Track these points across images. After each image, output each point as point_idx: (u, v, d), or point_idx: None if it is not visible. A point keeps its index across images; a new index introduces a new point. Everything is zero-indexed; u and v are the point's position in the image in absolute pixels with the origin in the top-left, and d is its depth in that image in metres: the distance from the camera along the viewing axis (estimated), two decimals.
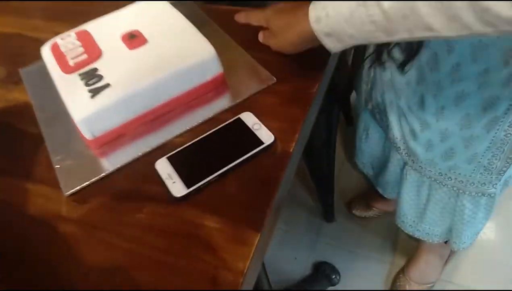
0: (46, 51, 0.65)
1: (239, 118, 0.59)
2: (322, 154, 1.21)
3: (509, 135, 0.77)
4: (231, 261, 0.46)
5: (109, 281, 0.47)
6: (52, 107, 0.63)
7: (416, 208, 1.04)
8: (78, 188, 0.55)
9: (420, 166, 0.91)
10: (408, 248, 1.34)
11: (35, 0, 0.93)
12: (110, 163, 0.58)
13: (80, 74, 0.60)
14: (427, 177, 0.93)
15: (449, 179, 0.90)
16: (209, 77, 0.63)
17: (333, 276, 1.32)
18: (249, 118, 0.59)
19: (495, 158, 0.82)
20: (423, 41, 0.69)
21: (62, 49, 0.64)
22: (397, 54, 0.76)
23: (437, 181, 0.92)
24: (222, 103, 0.63)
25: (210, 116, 0.61)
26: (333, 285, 1.31)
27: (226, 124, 0.59)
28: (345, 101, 1.55)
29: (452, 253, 1.29)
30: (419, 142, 0.87)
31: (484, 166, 0.84)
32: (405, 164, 0.97)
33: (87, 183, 0.56)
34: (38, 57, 0.66)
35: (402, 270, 1.31)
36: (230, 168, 0.54)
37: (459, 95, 0.74)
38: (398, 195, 1.07)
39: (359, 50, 1.15)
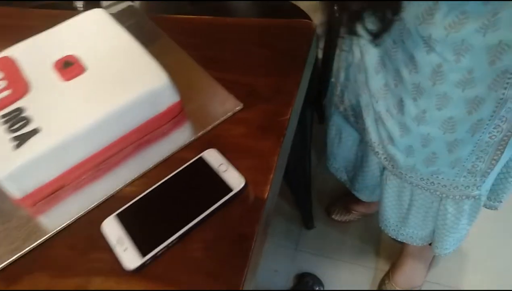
0: None
1: (201, 157, 0.50)
2: (297, 168, 1.13)
3: (493, 137, 0.72)
4: None
5: None
6: None
7: (398, 212, 1.00)
8: (7, 262, 0.45)
9: (400, 172, 0.86)
10: (392, 251, 1.29)
11: None
12: (47, 226, 0.47)
13: (2, 116, 0.49)
14: (408, 182, 0.88)
15: (432, 184, 0.85)
16: (163, 108, 0.53)
17: (317, 288, 1.25)
18: (213, 156, 0.49)
19: (479, 160, 0.77)
20: (397, 12, 0.62)
21: None
22: (371, 26, 0.69)
23: (419, 186, 0.87)
24: (180, 138, 0.53)
25: (165, 156, 0.51)
26: None
27: (186, 167, 0.49)
28: (316, 98, 1.47)
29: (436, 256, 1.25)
30: (398, 148, 0.81)
31: (468, 169, 0.80)
32: (384, 168, 0.91)
33: (18, 254, 0.45)
34: None
35: (388, 275, 1.27)
36: (193, 225, 0.44)
37: (441, 98, 0.67)
38: (379, 199, 1.02)
39: (330, 48, 1.08)
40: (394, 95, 0.74)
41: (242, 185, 0.47)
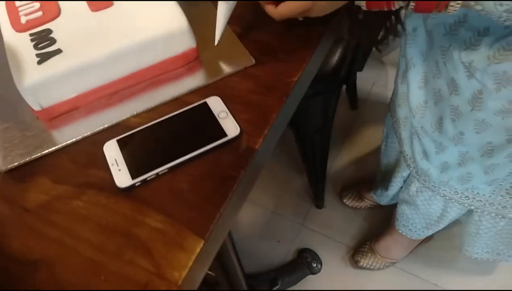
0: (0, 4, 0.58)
1: (205, 102, 0.52)
2: (315, 139, 1.14)
3: None
4: (167, 269, 0.41)
5: (29, 276, 0.42)
6: (2, 69, 0.56)
7: (426, 220, 0.99)
8: (17, 164, 0.50)
9: (433, 185, 0.85)
10: None
11: None
12: (57, 139, 0.52)
13: (31, 34, 0.53)
14: (441, 195, 0.86)
15: (467, 198, 0.83)
16: (179, 51, 0.56)
17: (314, 264, 1.28)
18: (216, 104, 0.52)
19: None
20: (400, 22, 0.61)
21: (17, 4, 0.56)
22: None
23: (453, 200, 0.86)
24: (190, 82, 0.56)
25: (174, 96, 0.54)
26: (314, 273, 1.27)
27: (190, 109, 0.52)
28: (349, 83, 1.46)
29: (427, 239, 1.23)
30: (432, 163, 0.80)
31: (506, 189, 0.78)
32: (415, 179, 0.90)
33: (28, 158, 0.50)
34: None
35: (369, 242, 1.26)
36: (185, 160, 0.47)
37: (480, 124, 0.66)
38: (404, 208, 1.02)
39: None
40: (434, 113, 0.73)
41: (237, 133, 0.49)
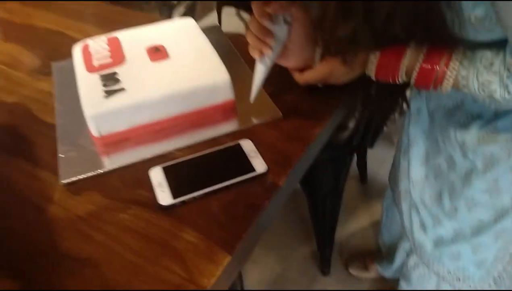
0: (76, 50, 0.70)
1: (238, 144, 0.61)
2: (326, 203, 1.21)
3: None
4: (198, 276, 0.47)
5: (78, 271, 0.48)
6: (71, 101, 0.67)
7: None
8: (74, 179, 0.58)
9: (428, 260, 0.87)
10: None
11: None
12: (109, 162, 0.60)
13: (101, 75, 0.64)
14: (435, 272, 0.88)
15: (457, 280, 0.84)
16: (220, 101, 0.66)
17: None
18: (247, 145, 0.61)
19: (506, 273, 0.77)
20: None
21: (91, 50, 0.68)
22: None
23: (445, 280, 0.87)
24: (226, 127, 0.65)
25: (212, 137, 0.63)
26: None
27: (225, 147, 0.61)
28: (359, 156, 1.55)
29: None
30: (428, 236, 0.84)
31: (494, 278, 0.79)
32: (413, 253, 0.93)
33: (83, 176, 0.58)
34: (71, 55, 0.71)
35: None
36: (218, 188, 0.55)
37: (471, 201, 0.71)
38: (405, 280, 1.03)
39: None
40: (433, 188, 0.78)
41: (265, 170, 0.57)
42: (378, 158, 1.75)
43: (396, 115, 0.91)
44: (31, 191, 0.57)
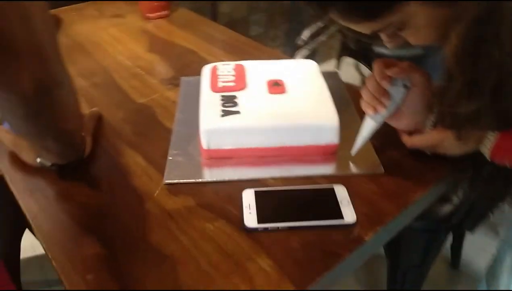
0: (206, 69, 0.77)
1: (332, 187, 0.61)
2: (407, 275, 1.12)
3: None
4: None
5: (157, 264, 0.52)
6: (190, 113, 0.74)
7: None
8: (175, 181, 0.63)
9: None
10: None
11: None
12: (209, 174, 0.65)
13: (222, 96, 0.69)
14: None
15: None
16: (324, 142, 0.67)
17: None
18: (341, 191, 0.61)
19: None
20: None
21: (218, 72, 0.75)
22: None
23: None
24: (324, 169, 0.66)
25: (308, 174, 0.64)
26: None
27: (318, 188, 0.62)
28: (456, 237, 1.42)
29: None
30: None
31: None
32: None
33: (184, 180, 0.63)
34: (199, 73, 0.79)
35: None
36: (303, 225, 0.56)
37: None
38: None
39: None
40: None
41: (353, 220, 0.56)
42: (477, 245, 1.59)
43: (506, 206, 0.84)
44: (139, 182, 0.63)
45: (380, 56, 0.61)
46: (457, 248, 1.48)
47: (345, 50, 1.95)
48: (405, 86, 0.61)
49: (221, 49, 1.03)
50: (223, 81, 0.72)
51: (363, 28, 0.52)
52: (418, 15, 0.48)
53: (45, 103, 0.48)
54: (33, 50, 0.43)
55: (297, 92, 0.71)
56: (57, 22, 1.15)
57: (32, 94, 0.44)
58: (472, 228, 1.21)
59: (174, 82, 0.87)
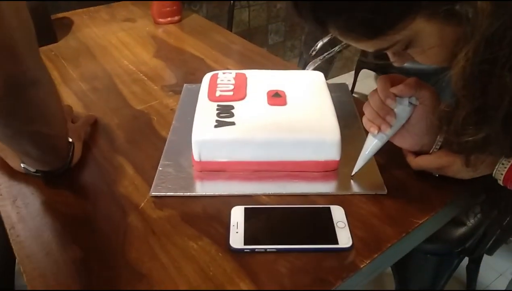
0: (206, 77, 0.74)
1: (329, 208, 0.57)
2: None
3: None
4: None
5: (131, 283, 0.48)
6: (187, 122, 0.70)
7: None
8: (162, 194, 0.60)
9: None
10: None
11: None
12: (200, 188, 0.61)
13: (218, 105, 0.66)
14: None
15: None
16: (323, 158, 0.62)
17: None
18: (338, 213, 0.56)
19: None
20: None
21: (218, 81, 0.72)
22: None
23: None
24: (322, 187, 0.61)
25: (304, 192, 0.60)
26: None
27: (313, 207, 0.57)
28: (473, 259, 1.34)
29: None
30: None
31: None
32: None
33: (171, 193, 0.60)
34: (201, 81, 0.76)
35: None
36: (293, 248, 0.51)
37: None
38: None
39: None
40: None
41: (348, 245, 0.52)
42: (495, 268, 1.50)
43: None
44: (125, 193, 0.60)
45: (400, 68, 0.57)
46: (473, 270, 1.40)
47: (363, 62, 1.91)
48: (411, 103, 0.56)
49: (229, 58, 1.00)
50: (222, 90, 0.69)
51: (365, 46, 0.48)
52: (425, 33, 0.44)
53: (18, 103, 0.45)
54: (1, 45, 0.41)
55: (298, 104, 0.67)
56: (68, 24, 1.15)
57: (2, 93, 0.42)
58: (490, 251, 1.14)
59: (175, 90, 0.85)
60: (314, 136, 0.62)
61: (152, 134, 0.72)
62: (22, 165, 0.60)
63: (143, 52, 1.01)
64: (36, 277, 0.49)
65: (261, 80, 0.73)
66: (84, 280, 0.49)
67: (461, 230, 0.96)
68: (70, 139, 0.61)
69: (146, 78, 0.89)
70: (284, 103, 0.67)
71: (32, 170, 0.59)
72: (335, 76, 2.33)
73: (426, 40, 0.45)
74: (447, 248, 0.97)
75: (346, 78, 2.33)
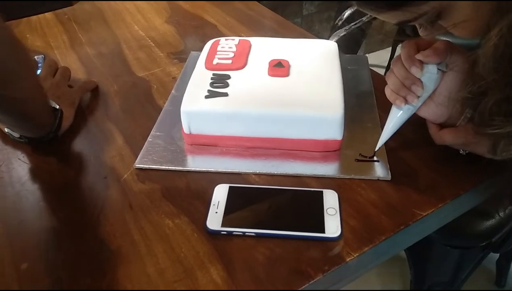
0: (207, 44, 0.69)
1: (321, 192, 0.52)
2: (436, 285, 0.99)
3: None
4: None
5: (98, 259, 0.46)
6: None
7: None
8: (146, 166, 0.56)
9: None
10: None
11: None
12: (187, 162, 0.58)
13: (213, 74, 0.61)
14: None
15: None
16: (323, 137, 0.57)
17: None
18: (331, 198, 0.51)
19: None
20: None
21: (219, 48, 0.66)
22: None
23: None
24: (319, 169, 0.56)
25: (297, 173, 0.55)
26: None
27: (304, 191, 0.52)
28: (503, 254, 1.25)
29: None
30: None
31: None
32: None
33: (156, 166, 0.56)
34: None
35: None
36: (273, 234, 0.47)
37: None
38: None
39: None
40: None
41: (335, 235, 0.47)
42: None
43: None
44: (110, 163, 0.58)
45: None
46: (504, 265, 1.30)
47: (400, 36, 1.77)
48: (439, 70, 0.49)
49: (244, 25, 0.94)
50: (220, 58, 0.64)
51: (389, 17, 0.43)
52: (458, 4, 0.39)
53: None
54: None
55: (301, 76, 0.61)
56: None
57: None
58: None
59: (181, 57, 0.80)
60: (313, 112, 0.56)
61: (149, 103, 0.69)
62: (6, 130, 0.58)
63: (155, 18, 0.97)
64: (5, 249, 0.47)
65: (266, 48, 0.67)
66: (51, 254, 0.47)
67: (488, 223, 0.88)
68: (57, 106, 0.59)
69: (153, 45, 0.85)
70: (286, 74, 0.61)
71: (16, 135, 0.58)
72: (374, 51, 2.20)
73: (458, 12, 0.40)
74: (471, 242, 0.89)
75: (384, 54, 2.19)
